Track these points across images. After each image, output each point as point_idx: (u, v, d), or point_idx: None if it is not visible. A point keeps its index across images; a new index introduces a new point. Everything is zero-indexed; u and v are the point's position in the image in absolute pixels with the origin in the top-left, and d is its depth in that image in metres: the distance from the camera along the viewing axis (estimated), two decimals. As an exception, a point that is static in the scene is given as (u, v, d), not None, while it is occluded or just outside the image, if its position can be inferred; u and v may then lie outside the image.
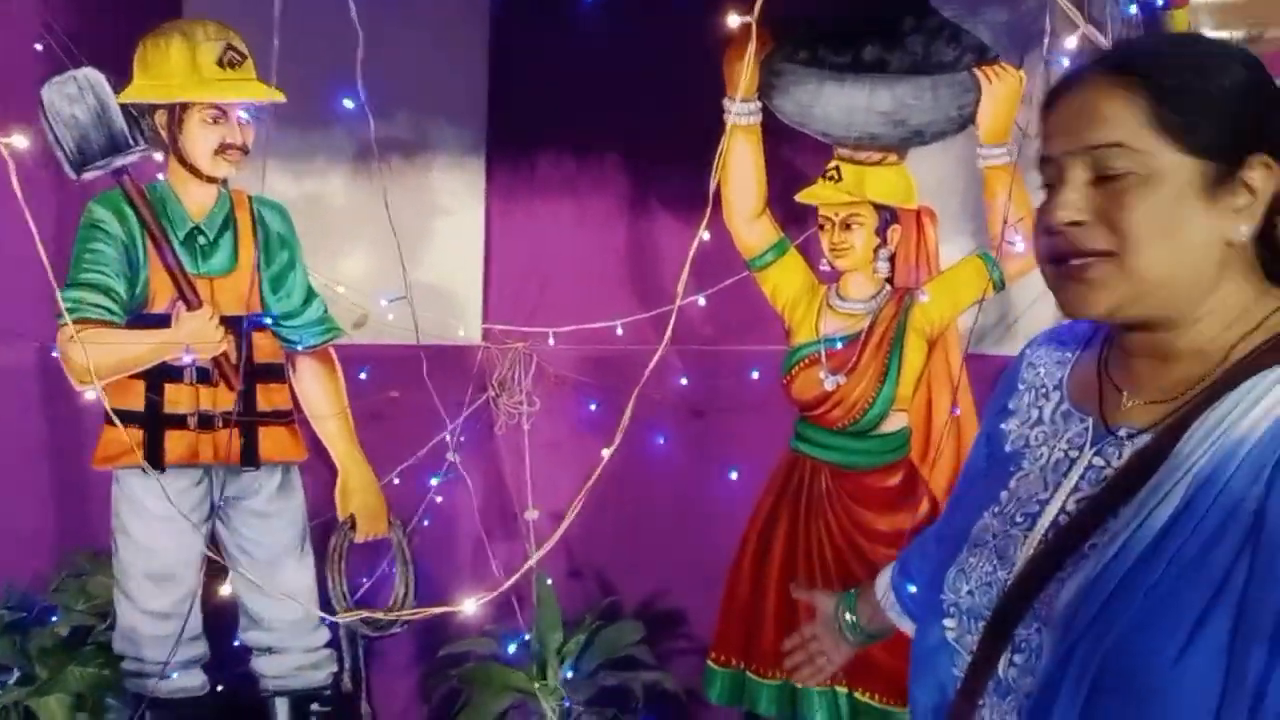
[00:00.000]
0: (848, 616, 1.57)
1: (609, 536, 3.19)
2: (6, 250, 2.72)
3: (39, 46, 2.58)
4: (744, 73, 2.38)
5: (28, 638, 2.54)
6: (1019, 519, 1.05)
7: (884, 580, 1.51)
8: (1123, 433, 1.02)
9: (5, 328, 2.76)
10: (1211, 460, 0.93)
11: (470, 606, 1.80)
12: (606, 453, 1.41)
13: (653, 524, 3.15)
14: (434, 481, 2.69)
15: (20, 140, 1.68)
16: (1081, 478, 1.03)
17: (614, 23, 2.63)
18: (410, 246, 3.13)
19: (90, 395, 2.10)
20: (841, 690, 2.50)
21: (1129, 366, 1.05)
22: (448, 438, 2.91)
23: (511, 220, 3.17)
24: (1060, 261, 0.98)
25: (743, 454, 3.00)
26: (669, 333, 1.76)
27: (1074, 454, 1.05)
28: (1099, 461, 1.03)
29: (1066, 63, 2.03)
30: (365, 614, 2.26)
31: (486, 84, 3.08)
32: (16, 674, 2.47)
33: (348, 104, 2.15)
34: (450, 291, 3.16)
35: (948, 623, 1.06)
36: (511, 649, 2.58)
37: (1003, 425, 1.15)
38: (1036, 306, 2.81)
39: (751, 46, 1.61)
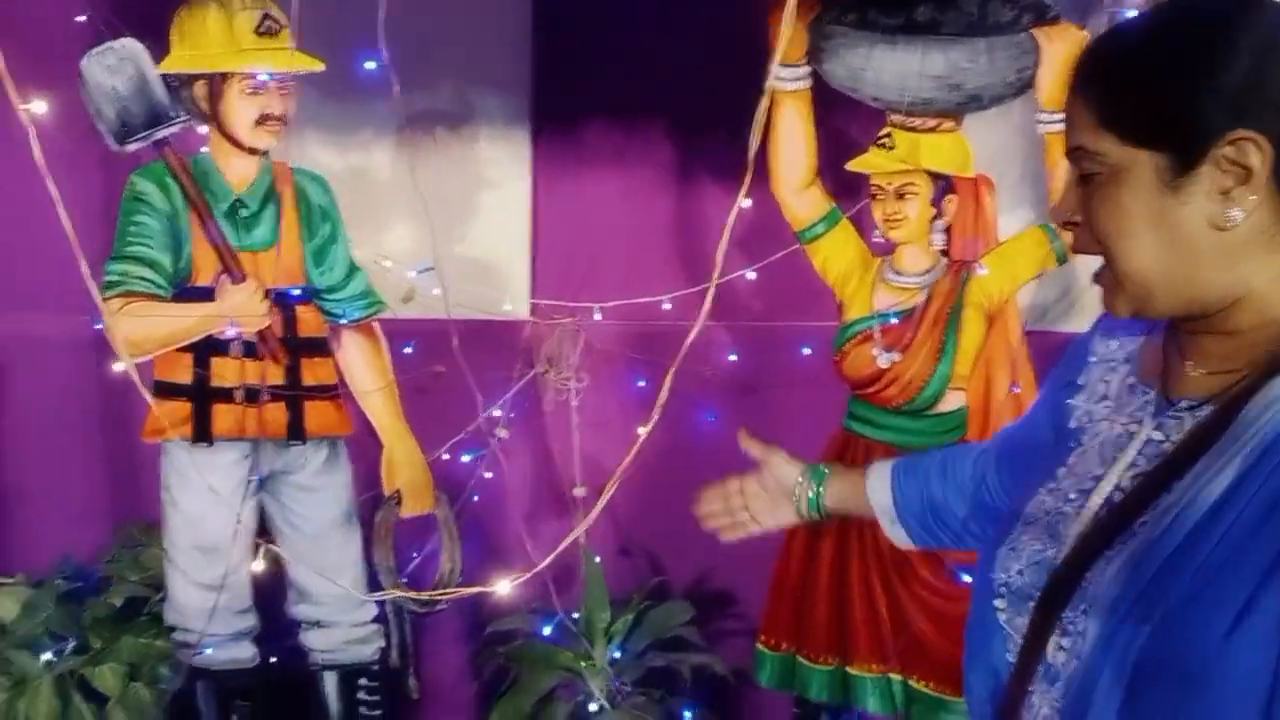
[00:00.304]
0: (812, 492, 1.44)
1: (659, 515, 3.15)
2: (55, 224, 2.77)
3: (82, 18, 2.58)
4: (788, 36, 2.32)
5: (83, 608, 2.58)
6: (1072, 495, 1.01)
7: (882, 481, 1.41)
8: (1183, 404, 0.97)
9: (57, 300, 2.79)
10: (1272, 430, 0.88)
11: (504, 588, 1.77)
12: (643, 431, 1.35)
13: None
14: (466, 458, 2.66)
15: (39, 106, 1.65)
16: (1139, 453, 0.98)
17: (660, -13, 2.56)
18: (455, 220, 3.12)
19: (117, 368, 2.08)
20: (896, 677, 2.44)
21: (1194, 339, 1.00)
22: (496, 413, 2.90)
23: (558, 192, 3.13)
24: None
25: (795, 432, 2.92)
26: (705, 308, 1.71)
27: (1133, 428, 1.00)
28: (1158, 435, 0.97)
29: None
30: (397, 594, 2.24)
31: (531, 53, 3.03)
32: (72, 643, 2.51)
33: (370, 65, 2.10)
34: (496, 266, 3.13)
35: (998, 604, 1.02)
36: (547, 630, 2.55)
37: (1069, 400, 1.10)
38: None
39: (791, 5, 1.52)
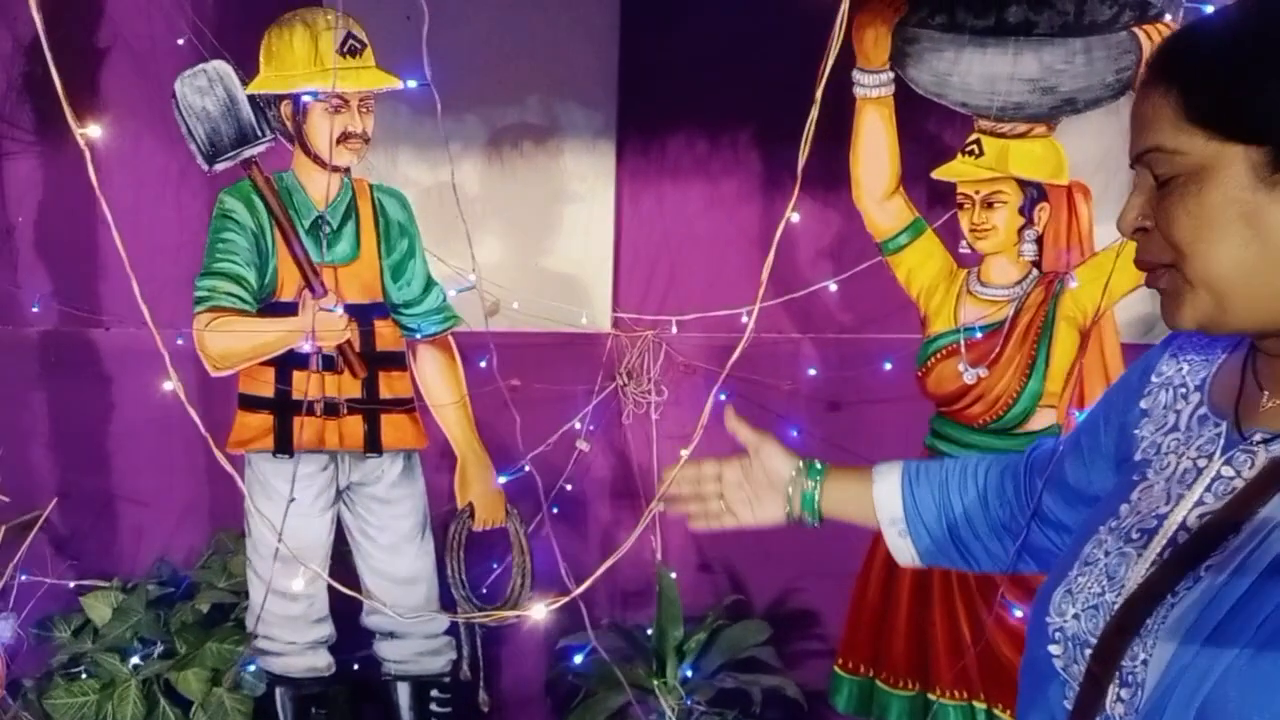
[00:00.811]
0: (807, 489, 1.29)
1: (739, 532, 3.09)
2: (157, 240, 2.88)
3: (181, 41, 2.68)
4: (871, 41, 2.25)
5: (172, 612, 2.65)
6: (1134, 535, 0.92)
7: (892, 485, 1.27)
8: (1257, 438, 0.88)
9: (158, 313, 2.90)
10: None
11: (540, 612, 1.74)
12: (685, 453, 1.30)
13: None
14: (502, 479, 2.65)
15: (94, 131, 1.70)
16: (1207, 489, 0.89)
17: (746, -2, 2.52)
18: (540, 233, 3.14)
19: (166, 387, 2.12)
20: (980, 706, 2.35)
21: (1272, 365, 0.91)
22: (577, 424, 2.89)
23: (642, 205, 3.11)
24: (1142, 271, 0.93)
25: (880, 448, 2.85)
26: (751, 323, 1.65)
27: (1202, 463, 0.91)
28: (1228, 471, 0.89)
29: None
30: (436, 613, 2.23)
31: (617, 65, 3.02)
32: (160, 647, 2.58)
33: (412, 84, 2.11)
34: (580, 279, 3.13)
35: (1053, 649, 0.94)
36: (578, 659, 2.49)
37: (1135, 430, 1.01)
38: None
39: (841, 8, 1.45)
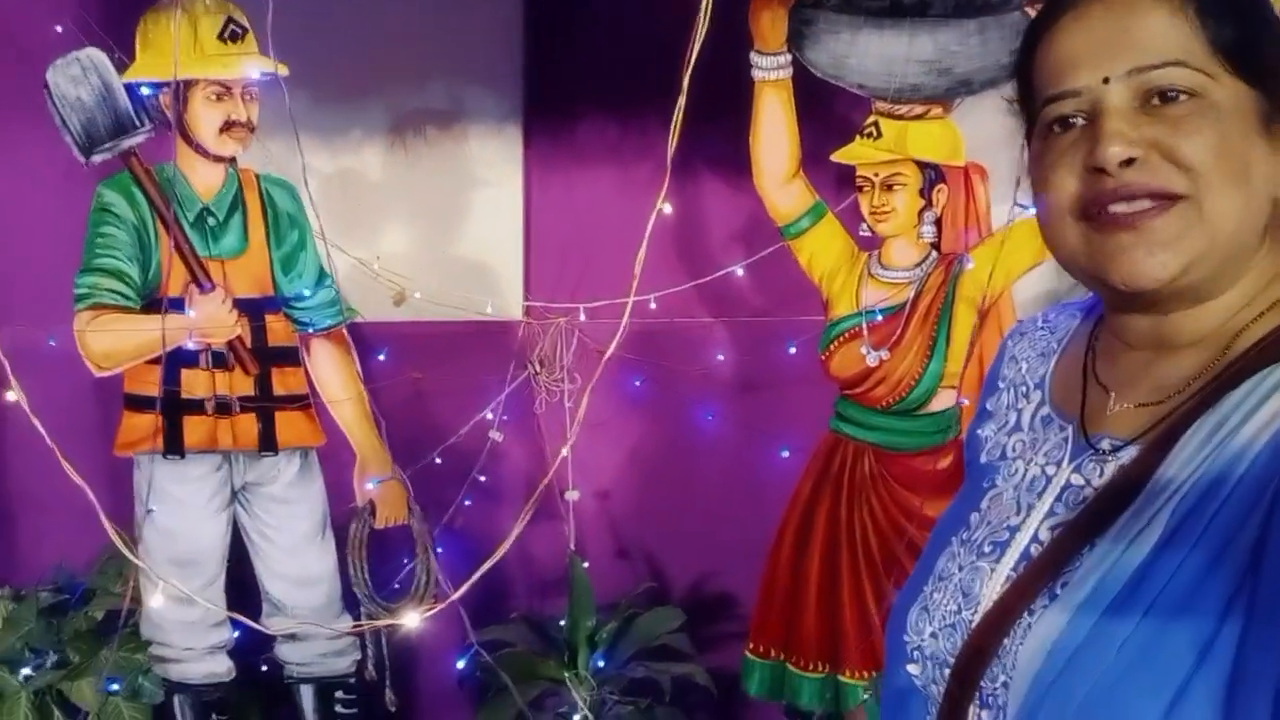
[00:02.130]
0: None
1: (656, 516, 3.08)
2: (42, 235, 2.76)
3: (59, 28, 2.56)
4: (768, 23, 2.22)
5: (66, 620, 2.56)
6: (986, 548, 0.88)
7: None
8: (1105, 444, 0.84)
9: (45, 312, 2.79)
10: (1202, 481, 0.75)
11: (414, 620, 1.71)
12: (565, 451, 1.27)
13: (701, 504, 3.02)
14: (437, 457, 2.61)
15: None
16: (1058, 499, 0.85)
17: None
18: (447, 220, 3.07)
19: (10, 398, 2.04)
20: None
21: (1118, 360, 0.87)
22: (489, 415, 2.85)
23: (551, 190, 3.06)
24: (1100, 214, 0.79)
25: (792, 430, 2.85)
26: (627, 314, 1.62)
27: (1051, 470, 0.87)
28: (1078, 480, 0.85)
29: None
30: (288, 626, 2.16)
31: (522, 47, 2.96)
32: (53, 657, 2.49)
33: (258, 74, 2.05)
34: (489, 266, 3.07)
35: (912, 669, 0.91)
36: (460, 664, 2.47)
37: (979, 430, 0.98)
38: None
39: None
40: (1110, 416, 0.85)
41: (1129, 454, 0.81)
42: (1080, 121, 0.81)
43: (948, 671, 0.85)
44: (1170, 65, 0.78)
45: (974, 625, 0.84)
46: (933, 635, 0.88)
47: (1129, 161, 0.77)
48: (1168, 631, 0.73)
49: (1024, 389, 0.95)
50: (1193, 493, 0.75)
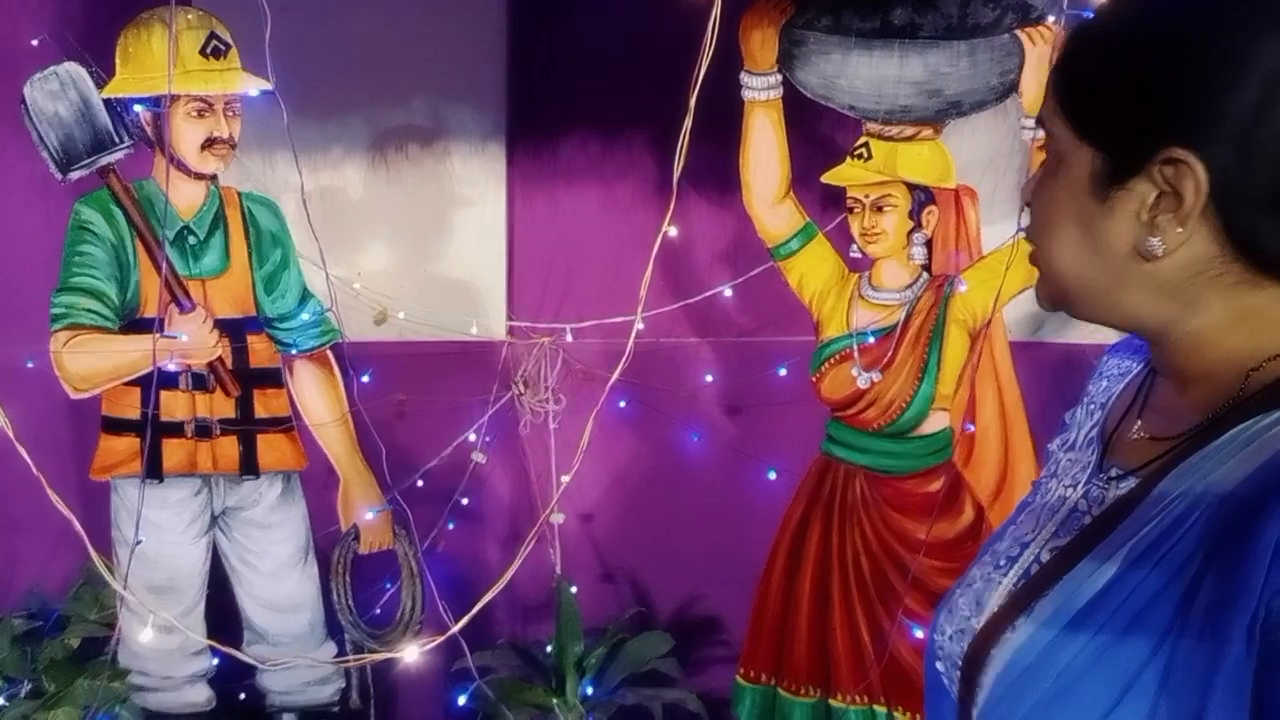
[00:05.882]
0: None
1: (644, 539, 3.05)
2: (21, 253, 2.70)
3: (35, 42, 2.51)
4: (758, 43, 2.21)
5: (40, 648, 2.50)
6: (1002, 562, 0.91)
7: None
8: (1113, 472, 0.86)
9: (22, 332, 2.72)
10: (1164, 520, 0.76)
11: (412, 655, 1.66)
12: (566, 479, 1.24)
13: (688, 527, 2.99)
14: (419, 480, 2.56)
15: None
16: (1063, 523, 0.87)
17: (636, -1, 2.46)
18: (430, 238, 3.03)
19: None
20: (880, 709, 2.34)
21: (1157, 389, 0.89)
22: (472, 436, 2.81)
23: (535, 208, 3.03)
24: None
25: (780, 452, 2.83)
26: (632, 338, 1.60)
27: (1068, 492, 0.89)
28: (1083, 505, 0.87)
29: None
30: (263, 660, 2.11)
31: (505, 64, 2.93)
32: (27, 686, 2.43)
33: (253, 93, 2.01)
34: (473, 285, 3.03)
35: (938, 665, 0.94)
36: (462, 700, 2.43)
37: (1050, 444, 1.00)
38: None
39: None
40: (1128, 444, 0.87)
41: (1128, 485, 0.83)
42: None
43: (958, 673, 0.89)
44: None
45: (976, 633, 0.88)
46: (950, 637, 0.92)
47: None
48: (1101, 664, 0.75)
49: (1093, 407, 0.97)
50: (1164, 522, 0.77)
